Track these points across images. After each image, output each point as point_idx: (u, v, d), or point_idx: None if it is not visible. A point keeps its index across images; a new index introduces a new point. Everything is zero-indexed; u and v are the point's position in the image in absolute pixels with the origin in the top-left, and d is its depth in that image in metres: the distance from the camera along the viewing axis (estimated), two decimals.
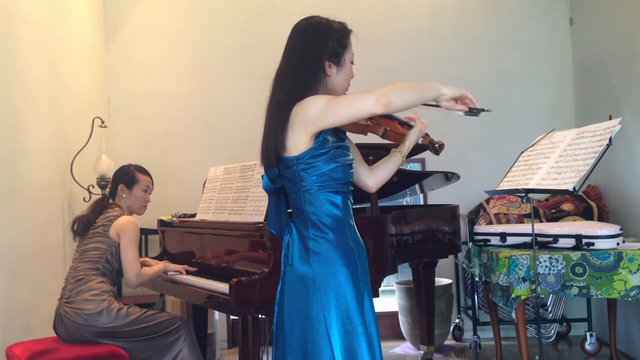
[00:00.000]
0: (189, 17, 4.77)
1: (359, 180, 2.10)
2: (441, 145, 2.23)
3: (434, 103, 1.89)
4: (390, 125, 2.10)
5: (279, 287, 1.97)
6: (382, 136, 2.10)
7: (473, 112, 1.92)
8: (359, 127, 1.99)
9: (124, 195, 3.08)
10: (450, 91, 1.87)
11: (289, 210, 2.00)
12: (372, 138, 2.21)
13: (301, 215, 1.90)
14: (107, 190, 3.13)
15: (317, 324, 1.83)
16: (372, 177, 2.12)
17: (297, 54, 1.92)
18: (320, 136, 1.86)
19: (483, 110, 1.93)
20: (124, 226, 2.90)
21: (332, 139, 1.89)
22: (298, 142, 1.84)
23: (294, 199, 1.92)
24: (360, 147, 2.19)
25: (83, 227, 2.97)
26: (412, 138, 2.13)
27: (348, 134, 2.05)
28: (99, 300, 2.76)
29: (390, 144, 2.21)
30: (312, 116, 1.81)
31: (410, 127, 2.16)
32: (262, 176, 2.00)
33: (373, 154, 2.74)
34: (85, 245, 2.91)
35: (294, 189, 1.90)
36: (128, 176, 3.11)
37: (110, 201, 3.10)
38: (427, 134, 2.20)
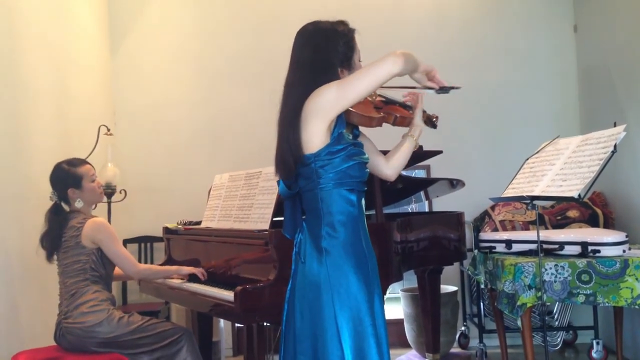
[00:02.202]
0: (194, 26, 4.80)
1: (378, 170, 2.12)
2: (437, 118, 2.26)
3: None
4: (398, 112, 2.13)
5: (289, 285, 1.97)
6: (393, 124, 2.12)
7: (444, 89, 1.94)
8: (375, 120, 2.00)
9: (78, 198, 2.88)
10: (423, 64, 1.88)
11: (303, 217, 2.00)
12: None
13: (316, 213, 1.90)
14: (54, 197, 2.88)
15: (327, 323, 1.83)
16: (390, 166, 2.14)
17: (306, 64, 1.92)
18: (335, 131, 1.87)
19: (453, 87, 1.94)
20: (95, 233, 2.78)
21: (347, 135, 1.91)
22: (314, 136, 1.84)
23: (309, 197, 1.91)
24: None
25: (52, 242, 2.83)
26: (418, 119, 2.15)
27: (362, 129, 2.07)
28: (98, 311, 2.72)
29: None
30: (328, 102, 1.82)
31: (411, 108, 2.18)
32: (278, 182, 2.00)
33: None
34: (65, 260, 2.82)
35: (310, 187, 1.89)
36: (70, 176, 2.87)
37: (68, 209, 2.91)
38: (423, 110, 2.21)
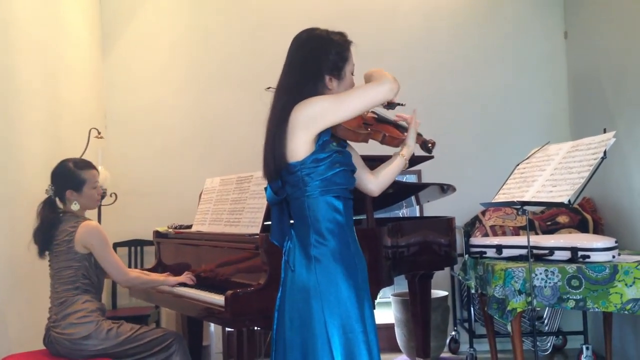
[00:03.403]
0: (186, 30, 4.79)
1: (362, 185, 2.11)
2: (433, 144, 2.21)
3: None
4: (388, 131, 2.11)
5: (279, 294, 1.97)
6: (382, 142, 2.11)
7: (391, 105, 2.06)
8: (361, 135, 2.01)
9: (74, 200, 2.80)
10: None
11: (291, 222, 2.00)
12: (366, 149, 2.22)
13: (304, 221, 1.90)
14: (50, 192, 2.80)
15: (318, 331, 1.83)
16: (375, 182, 2.12)
17: (297, 68, 1.93)
18: (320, 139, 1.87)
19: (399, 104, 2.07)
20: (87, 237, 2.72)
21: (332, 144, 1.91)
22: (300, 145, 1.85)
23: (296, 205, 1.92)
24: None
25: (44, 238, 2.76)
26: (411, 140, 2.12)
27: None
28: (86, 323, 2.66)
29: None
30: (318, 115, 1.82)
31: (404, 129, 2.16)
32: (265, 188, 2.00)
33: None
34: (56, 265, 2.76)
35: (297, 195, 1.90)
36: (73, 178, 2.79)
37: (61, 206, 2.84)
38: (419, 134, 2.18)
